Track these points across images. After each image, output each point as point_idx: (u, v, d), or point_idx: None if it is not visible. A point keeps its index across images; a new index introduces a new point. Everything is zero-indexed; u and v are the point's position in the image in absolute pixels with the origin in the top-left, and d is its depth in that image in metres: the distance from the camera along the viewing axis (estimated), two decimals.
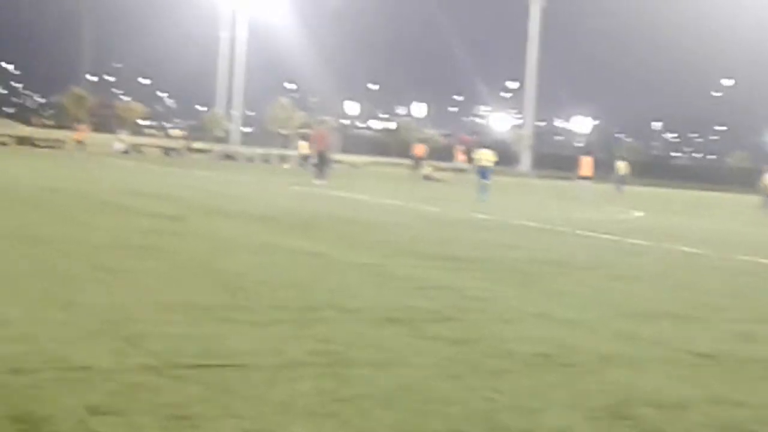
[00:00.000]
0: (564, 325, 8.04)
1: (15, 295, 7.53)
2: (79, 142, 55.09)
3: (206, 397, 5.00)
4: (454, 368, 6.06)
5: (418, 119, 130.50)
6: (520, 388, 5.66)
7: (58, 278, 8.50)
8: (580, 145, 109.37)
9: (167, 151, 66.75)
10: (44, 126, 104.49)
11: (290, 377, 5.53)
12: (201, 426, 4.49)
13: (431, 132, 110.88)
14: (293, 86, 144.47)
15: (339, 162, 69.82)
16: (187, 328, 6.70)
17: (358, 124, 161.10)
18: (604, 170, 50.36)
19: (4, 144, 58.72)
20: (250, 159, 68.97)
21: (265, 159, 69.71)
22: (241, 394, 5.12)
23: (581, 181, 42.63)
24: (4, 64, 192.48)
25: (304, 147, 53.46)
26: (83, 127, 55.83)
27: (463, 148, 64.06)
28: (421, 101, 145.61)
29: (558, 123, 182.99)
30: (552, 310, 8.68)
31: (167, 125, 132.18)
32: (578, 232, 19.55)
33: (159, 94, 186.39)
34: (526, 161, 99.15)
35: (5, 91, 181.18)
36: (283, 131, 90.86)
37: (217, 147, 76.65)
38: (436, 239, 15.75)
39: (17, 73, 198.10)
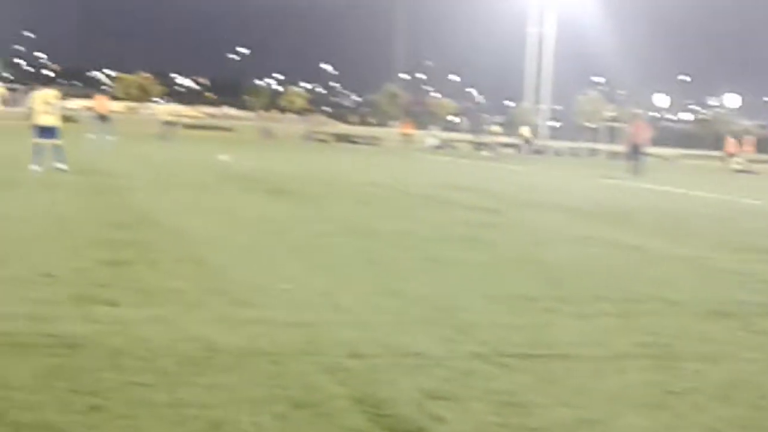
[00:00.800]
0: None
1: (350, 284, 7.94)
2: (406, 135, 56.28)
3: (535, 385, 5.10)
4: None
5: (731, 110, 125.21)
6: None
7: (388, 269, 8.87)
8: None
9: (478, 146, 67.65)
10: (364, 124, 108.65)
11: (618, 368, 5.54)
12: (535, 413, 4.60)
13: (745, 123, 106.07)
14: (601, 79, 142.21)
15: (650, 155, 68.18)
16: (512, 318, 6.83)
17: (668, 116, 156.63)
18: None
19: (323, 141, 61.51)
20: (558, 153, 68.79)
21: (574, 153, 69.35)
22: (569, 384, 5.19)
23: None
24: (323, 65, 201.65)
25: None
26: (407, 122, 56.92)
27: (751, 138, 60.46)
28: (735, 92, 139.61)
29: None
30: None
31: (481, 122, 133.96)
32: None
33: (468, 90, 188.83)
34: None
35: (324, 91, 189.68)
36: (592, 125, 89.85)
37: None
38: (760, 232, 15.09)
39: (335, 73, 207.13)
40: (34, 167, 17.92)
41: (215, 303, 6.76)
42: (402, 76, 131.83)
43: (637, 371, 5.51)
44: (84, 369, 4.91)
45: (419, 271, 8.81)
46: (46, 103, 19.18)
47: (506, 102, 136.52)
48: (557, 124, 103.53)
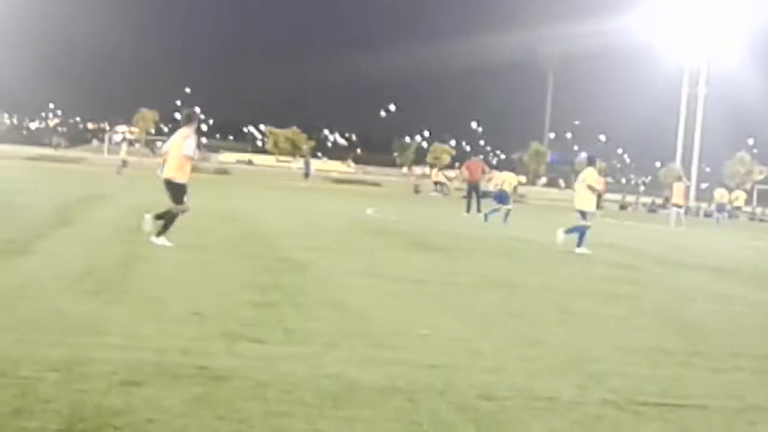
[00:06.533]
0: None
1: (487, 332, 8.11)
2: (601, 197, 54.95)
3: None
4: None
5: None
6: None
7: (526, 319, 9.02)
8: None
9: (622, 206, 67.13)
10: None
11: (751, 420, 5.59)
12: None
13: None
14: (752, 141, 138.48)
15: None
16: (647, 370, 6.91)
17: None
18: None
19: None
20: (708, 215, 67.49)
21: (732, 215, 68.01)
22: None
23: None
24: (470, 124, 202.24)
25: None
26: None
27: None
28: None
29: None
30: None
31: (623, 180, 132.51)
32: None
33: (617, 151, 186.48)
34: None
35: (469, 147, 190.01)
36: (743, 187, 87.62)
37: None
38: None
39: (482, 131, 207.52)
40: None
41: (355, 344, 7.02)
42: (549, 135, 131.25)
43: None
44: (230, 399, 5.21)
45: (556, 323, 8.92)
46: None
47: (657, 163, 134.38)
48: (704, 186, 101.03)
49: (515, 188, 28.55)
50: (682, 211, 36.81)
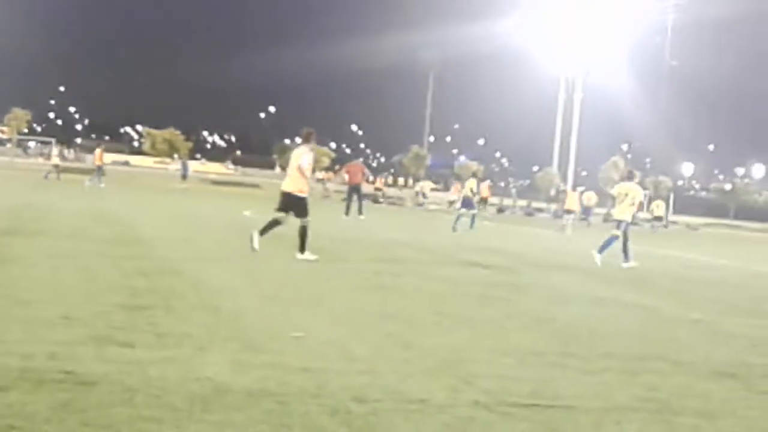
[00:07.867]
0: None
1: (363, 334, 8.12)
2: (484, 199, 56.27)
3: None
4: None
5: (757, 180, 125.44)
6: None
7: (401, 321, 9.04)
8: None
9: (500, 209, 67.98)
10: (392, 185, 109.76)
11: (617, 420, 5.69)
12: None
13: None
14: (626, 146, 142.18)
15: (674, 222, 68.40)
16: (518, 371, 7.00)
17: (695, 185, 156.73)
18: None
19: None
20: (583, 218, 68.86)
21: (605, 219, 69.61)
22: None
23: None
24: (351, 126, 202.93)
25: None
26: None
27: None
28: (763, 162, 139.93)
29: None
30: None
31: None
32: None
33: (495, 154, 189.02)
34: None
35: (349, 150, 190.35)
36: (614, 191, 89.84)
37: (553, 206, 77.00)
38: None
39: (361, 133, 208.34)
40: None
41: (228, 347, 6.94)
42: (429, 138, 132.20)
43: (635, 423, 5.66)
44: (96, 404, 5.09)
45: (431, 325, 8.99)
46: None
47: (534, 167, 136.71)
48: (580, 189, 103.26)
49: (472, 192, 29.83)
50: (572, 217, 38.14)
